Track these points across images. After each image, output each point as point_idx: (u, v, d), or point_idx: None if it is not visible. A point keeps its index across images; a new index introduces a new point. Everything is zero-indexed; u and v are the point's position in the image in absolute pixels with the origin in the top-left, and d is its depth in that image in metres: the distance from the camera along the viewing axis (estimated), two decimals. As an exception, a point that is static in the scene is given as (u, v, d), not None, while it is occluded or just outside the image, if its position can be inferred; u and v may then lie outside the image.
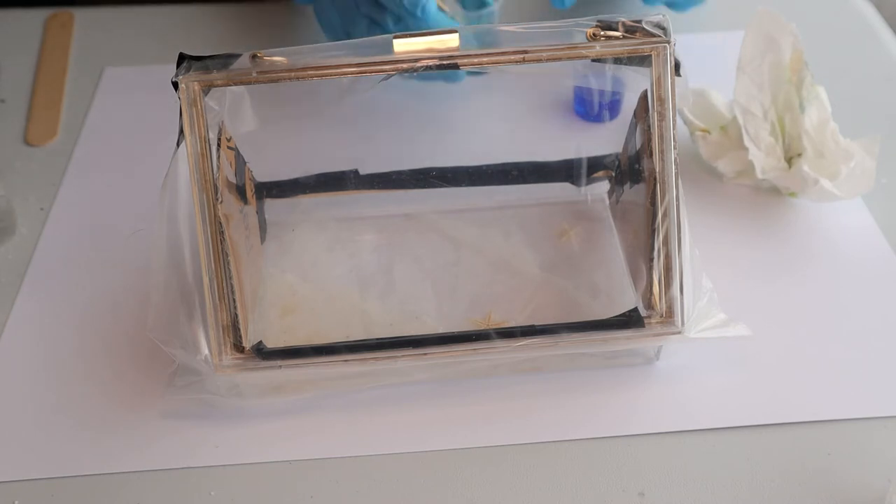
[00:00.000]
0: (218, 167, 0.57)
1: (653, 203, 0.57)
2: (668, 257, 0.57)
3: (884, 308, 0.64)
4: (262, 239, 0.68)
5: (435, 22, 0.71)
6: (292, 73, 0.55)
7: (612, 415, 0.58)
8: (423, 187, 0.69)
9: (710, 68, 0.76)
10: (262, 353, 0.57)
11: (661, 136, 0.57)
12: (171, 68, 0.55)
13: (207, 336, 0.57)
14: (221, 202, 0.57)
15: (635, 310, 0.58)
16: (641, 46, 0.55)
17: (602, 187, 0.70)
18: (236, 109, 0.59)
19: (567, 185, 0.70)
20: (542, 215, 0.70)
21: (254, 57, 0.56)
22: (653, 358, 0.61)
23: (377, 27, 0.73)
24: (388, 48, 0.56)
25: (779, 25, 0.70)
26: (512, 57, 0.55)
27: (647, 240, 0.58)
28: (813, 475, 0.55)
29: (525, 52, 0.55)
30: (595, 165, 0.69)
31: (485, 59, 0.56)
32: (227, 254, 0.57)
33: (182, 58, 0.56)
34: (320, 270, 0.67)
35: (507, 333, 0.57)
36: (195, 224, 0.56)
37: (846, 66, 0.85)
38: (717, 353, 0.60)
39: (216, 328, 0.56)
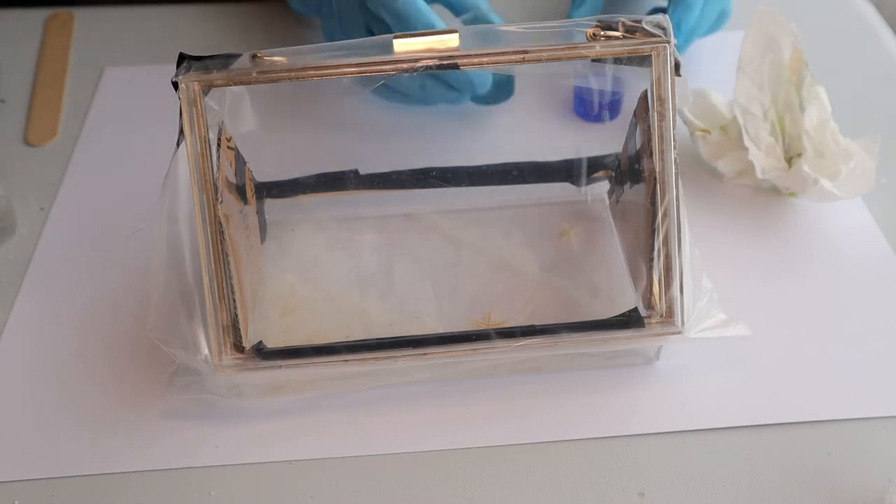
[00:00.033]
0: (218, 167, 0.57)
1: (653, 203, 0.57)
2: (668, 257, 0.57)
3: (884, 308, 0.64)
4: (262, 239, 0.68)
5: (423, 18, 0.69)
6: (292, 73, 0.55)
7: (612, 415, 0.58)
8: (423, 187, 0.69)
9: (710, 68, 0.76)
10: (262, 353, 0.57)
11: (661, 136, 0.57)
12: (171, 68, 0.55)
13: (207, 336, 0.57)
14: (221, 202, 0.57)
15: (635, 310, 0.58)
16: (641, 46, 0.55)
17: (602, 187, 0.70)
18: (236, 109, 0.59)
19: (567, 185, 0.70)
20: (542, 215, 0.70)
21: (254, 57, 0.56)
22: (653, 358, 0.61)
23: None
24: (388, 48, 0.56)
25: (779, 25, 0.70)
26: (512, 57, 0.55)
27: (647, 240, 0.58)
28: (813, 475, 0.55)
29: (525, 52, 0.55)
30: (595, 165, 0.69)
31: (485, 59, 0.56)
32: (227, 254, 0.57)
33: (182, 58, 0.56)
34: (320, 270, 0.67)
35: (507, 333, 0.57)
36: (195, 224, 0.56)
37: (846, 66, 0.85)
38: (717, 353, 0.60)
39: (216, 328, 0.56)
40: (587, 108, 0.78)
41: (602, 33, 0.56)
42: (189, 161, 0.56)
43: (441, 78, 0.71)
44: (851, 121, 0.72)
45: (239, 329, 0.57)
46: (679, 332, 0.57)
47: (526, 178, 0.69)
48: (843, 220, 0.70)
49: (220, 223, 0.56)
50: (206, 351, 0.57)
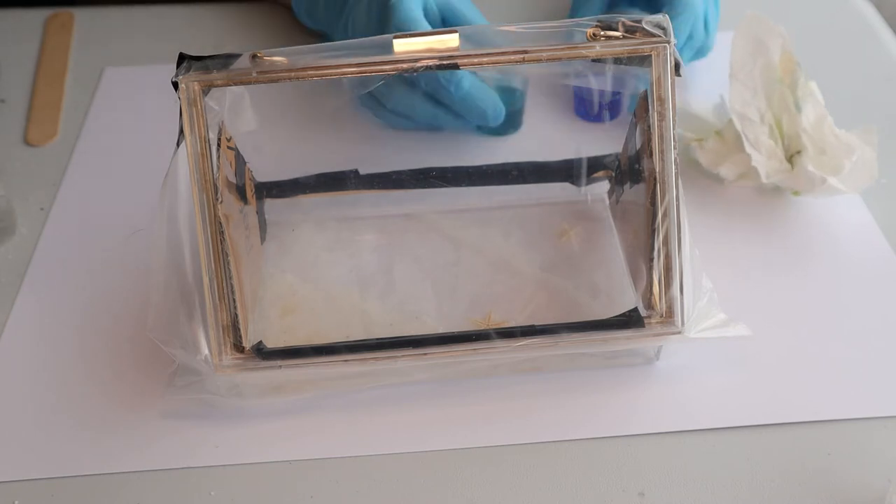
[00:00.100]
0: (218, 167, 0.57)
1: (653, 203, 0.57)
2: (668, 257, 0.57)
3: (884, 308, 0.64)
4: (262, 239, 0.68)
5: (470, 94, 0.69)
6: (292, 73, 0.55)
7: (612, 415, 0.58)
8: (423, 187, 0.69)
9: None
10: (262, 353, 0.57)
11: (661, 136, 0.57)
12: (171, 68, 0.55)
13: (207, 336, 0.57)
14: (221, 202, 0.56)
15: (635, 310, 0.58)
16: (641, 46, 0.55)
17: (602, 187, 0.70)
18: (236, 109, 0.59)
19: (567, 185, 0.70)
20: (542, 215, 0.70)
21: (254, 57, 0.56)
22: (653, 358, 0.61)
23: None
24: (389, 48, 0.56)
25: (766, 28, 0.70)
26: (512, 57, 0.55)
27: (647, 240, 0.58)
28: (813, 475, 0.55)
29: (525, 52, 0.55)
30: (595, 165, 0.69)
31: (485, 59, 0.56)
32: (227, 254, 0.57)
33: (182, 58, 0.56)
34: (320, 270, 0.67)
35: (507, 333, 0.57)
36: (195, 224, 0.56)
37: (846, 66, 0.85)
38: (717, 353, 0.60)
39: (216, 328, 0.56)
40: (587, 107, 0.78)
41: (602, 33, 0.56)
42: (189, 161, 0.56)
43: (453, 109, 0.71)
44: (851, 121, 0.72)
45: (239, 329, 0.57)
46: (679, 332, 0.57)
47: (526, 178, 0.69)
48: (843, 220, 0.70)
49: (220, 223, 0.56)
50: (206, 351, 0.57)
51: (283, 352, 0.57)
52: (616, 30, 0.56)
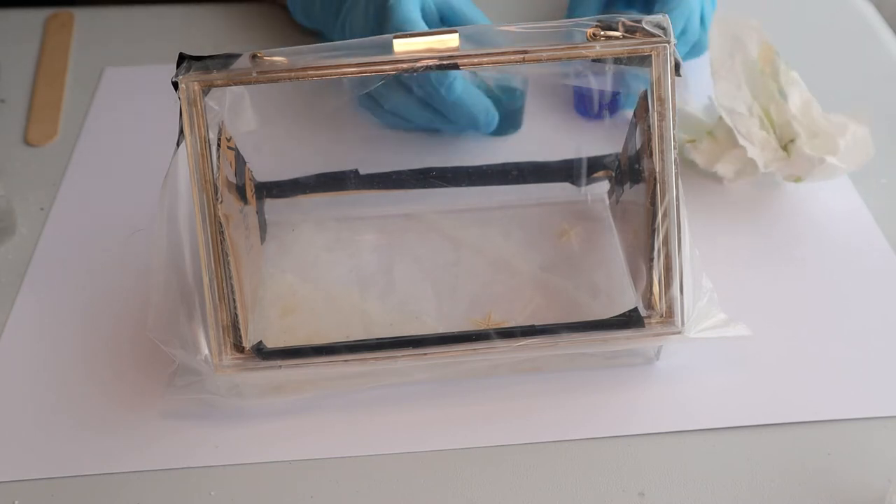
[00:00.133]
0: (218, 167, 0.57)
1: (653, 203, 0.57)
2: (668, 257, 0.57)
3: (884, 308, 0.64)
4: (262, 239, 0.68)
5: (462, 99, 0.69)
6: (292, 73, 0.55)
7: (612, 415, 0.58)
8: (423, 187, 0.69)
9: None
10: (262, 353, 0.57)
11: (661, 136, 0.57)
12: (171, 68, 0.55)
13: (207, 336, 0.57)
14: (221, 202, 0.56)
15: (635, 310, 0.58)
16: (641, 46, 0.55)
17: (602, 187, 0.70)
18: (236, 109, 0.59)
19: (567, 185, 0.70)
20: (542, 215, 0.70)
21: (254, 57, 0.56)
22: (653, 358, 0.61)
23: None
24: (388, 48, 0.56)
25: (740, 24, 0.71)
26: (512, 57, 0.55)
27: (647, 240, 0.58)
28: (813, 475, 0.55)
29: (525, 52, 0.55)
30: (595, 165, 0.69)
31: (485, 59, 0.56)
32: (227, 254, 0.57)
33: (182, 58, 0.56)
34: (320, 270, 0.67)
35: (507, 333, 0.57)
36: (195, 224, 0.56)
37: (846, 67, 0.85)
38: (717, 353, 0.60)
39: (216, 328, 0.56)
40: (587, 106, 0.77)
41: (602, 33, 0.56)
42: (189, 161, 0.56)
43: (448, 117, 0.71)
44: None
45: (239, 329, 0.57)
46: (679, 332, 0.57)
47: (526, 178, 0.69)
48: (843, 220, 0.70)
49: (220, 223, 0.56)
50: (206, 351, 0.57)
51: (283, 352, 0.57)
52: (616, 30, 0.56)
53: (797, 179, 0.70)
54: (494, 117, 0.71)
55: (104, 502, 0.55)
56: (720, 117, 0.71)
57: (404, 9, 0.68)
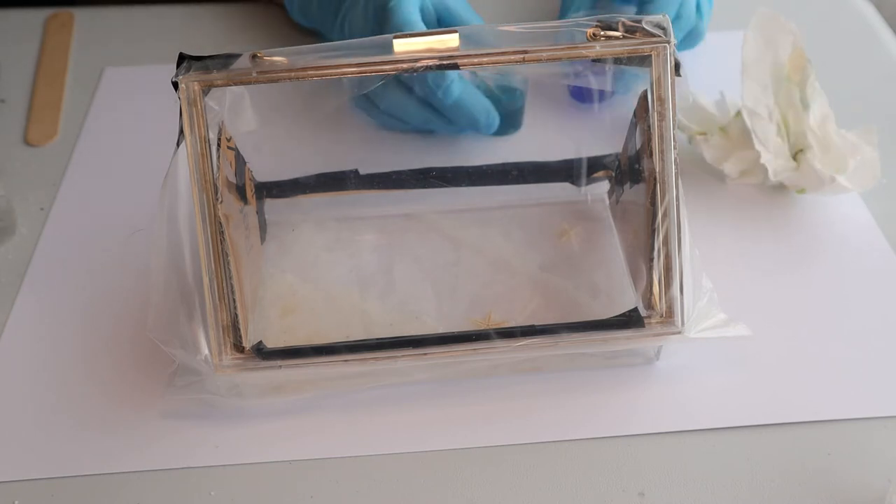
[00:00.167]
0: (218, 167, 0.57)
1: (653, 203, 0.57)
2: (668, 257, 0.57)
3: (884, 308, 0.64)
4: (262, 239, 0.68)
5: (461, 101, 0.69)
6: (292, 73, 0.55)
7: (612, 415, 0.58)
8: (423, 187, 0.69)
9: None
10: (262, 353, 0.57)
11: (661, 136, 0.57)
12: (171, 68, 0.55)
13: (207, 336, 0.57)
14: (221, 202, 0.56)
15: (635, 310, 0.58)
16: (641, 46, 0.55)
17: (602, 187, 0.70)
18: (236, 109, 0.59)
19: (567, 185, 0.70)
20: (542, 215, 0.70)
21: (254, 57, 0.56)
22: (653, 358, 0.61)
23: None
24: (388, 48, 0.56)
25: (779, 25, 0.70)
26: (512, 57, 0.55)
27: (647, 240, 0.58)
28: (813, 475, 0.55)
29: (525, 52, 0.55)
30: (595, 165, 0.69)
31: (485, 59, 0.56)
32: (227, 254, 0.57)
33: (182, 58, 0.56)
34: (320, 270, 0.67)
35: (507, 333, 0.57)
36: (195, 224, 0.56)
37: (846, 66, 0.85)
38: (717, 353, 0.60)
39: (216, 328, 0.56)
40: (583, 91, 0.77)
41: (602, 33, 0.56)
42: (189, 161, 0.56)
43: (447, 116, 0.71)
44: (852, 120, 0.72)
45: (239, 329, 0.57)
46: (679, 332, 0.57)
47: (526, 178, 0.69)
48: (843, 220, 0.70)
49: (220, 223, 0.56)
50: (206, 351, 0.57)
51: (283, 352, 0.57)
52: (616, 30, 0.56)
53: (801, 191, 0.70)
54: (495, 118, 0.71)
55: (104, 502, 0.55)
56: (735, 115, 0.71)
57: (405, 10, 0.68)
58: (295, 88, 0.80)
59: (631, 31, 0.56)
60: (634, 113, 0.61)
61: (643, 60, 0.56)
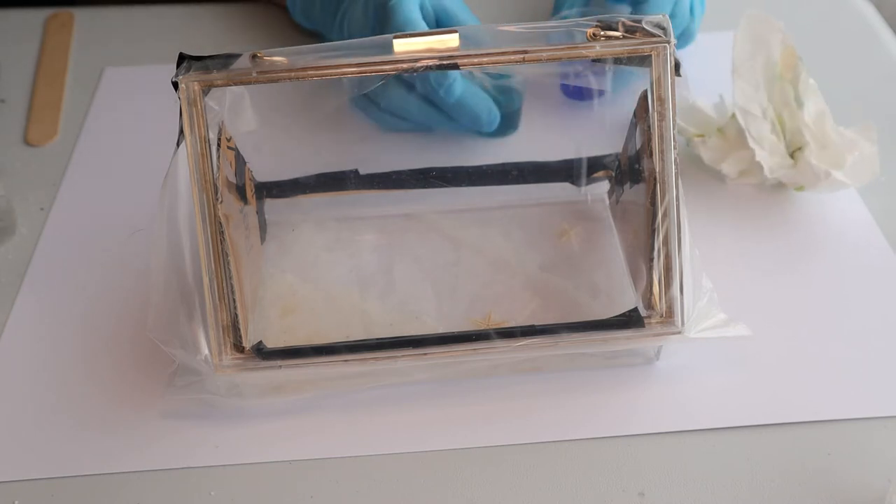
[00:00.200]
0: (218, 167, 0.57)
1: (653, 203, 0.57)
2: (668, 257, 0.57)
3: (884, 308, 0.64)
4: (262, 239, 0.68)
5: (464, 99, 0.69)
6: (292, 73, 0.55)
7: (612, 415, 0.58)
8: (423, 187, 0.69)
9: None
10: (262, 353, 0.57)
11: (661, 136, 0.57)
12: (171, 68, 0.55)
13: (207, 336, 0.57)
14: (221, 202, 0.57)
15: (635, 310, 0.58)
16: (641, 46, 0.55)
17: (602, 187, 0.70)
18: (236, 109, 0.59)
19: (567, 185, 0.70)
20: (542, 215, 0.70)
21: (254, 57, 0.56)
22: (653, 358, 0.61)
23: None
24: (389, 48, 0.56)
25: (768, 25, 0.70)
26: (512, 57, 0.55)
27: (647, 240, 0.58)
28: (813, 475, 0.55)
29: (525, 52, 0.55)
30: (595, 165, 0.69)
31: (485, 59, 0.56)
32: (227, 254, 0.57)
33: (182, 58, 0.56)
34: (320, 270, 0.67)
35: (507, 333, 0.57)
36: (195, 224, 0.56)
37: (846, 66, 0.85)
38: (717, 353, 0.60)
39: (216, 328, 0.56)
40: (576, 89, 0.77)
41: (602, 33, 0.56)
42: (189, 161, 0.56)
43: (449, 115, 0.71)
44: (852, 120, 0.72)
45: (239, 329, 0.57)
46: (679, 332, 0.57)
47: (526, 178, 0.69)
48: (843, 219, 0.70)
49: (220, 223, 0.56)
50: (206, 351, 0.57)
51: (283, 352, 0.57)
52: (616, 30, 0.56)
53: (800, 188, 0.70)
54: (496, 116, 0.71)
55: (104, 502, 0.55)
56: (731, 115, 0.71)
57: (406, 9, 0.68)
58: (295, 88, 0.80)
59: (631, 31, 0.56)
60: (634, 113, 0.61)
61: (643, 60, 0.56)
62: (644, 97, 0.59)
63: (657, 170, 0.57)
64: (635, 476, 0.56)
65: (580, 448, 0.57)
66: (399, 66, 0.55)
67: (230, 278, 0.57)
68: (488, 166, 0.69)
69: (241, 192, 0.62)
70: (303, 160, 0.74)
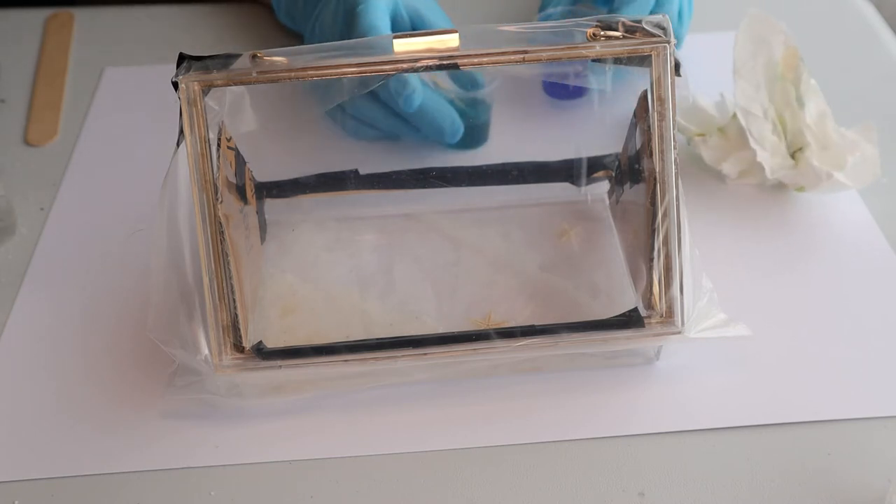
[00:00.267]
0: (218, 167, 0.57)
1: (653, 203, 0.57)
2: (668, 257, 0.57)
3: (884, 308, 0.64)
4: (262, 239, 0.68)
5: (425, 108, 0.69)
6: (292, 73, 0.55)
7: (612, 415, 0.58)
8: (423, 187, 0.69)
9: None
10: (262, 353, 0.57)
11: (661, 136, 0.57)
12: (171, 68, 0.55)
13: (207, 336, 0.57)
14: (221, 202, 0.57)
15: (635, 310, 0.58)
16: (641, 46, 0.55)
17: (602, 187, 0.70)
18: (236, 109, 0.59)
19: (567, 185, 0.70)
20: (542, 215, 0.70)
21: (254, 57, 0.56)
22: (653, 358, 0.61)
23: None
24: (388, 48, 0.56)
25: (769, 26, 0.70)
26: (512, 57, 0.55)
27: (647, 240, 0.58)
28: (813, 475, 0.55)
29: (525, 52, 0.55)
30: (595, 165, 0.69)
31: (485, 59, 0.56)
32: (227, 254, 0.57)
33: (182, 58, 0.56)
34: (320, 270, 0.67)
35: (507, 333, 0.57)
36: (195, 224, 0.56)
37: (846, 66, 0.85)
38: (717, 353, 0.60)
39: (216, 328, 0.56)
40: (557, 87, 0.77)
41: (602, 33, 0.56)
42: (189, 161, 0.56)
43: (412, 124, 0.71)
44: (852, 120, 0.72)
45: (239, 329, 0.57)
46: (679, 332, 0.57)
47: (526, 178, 0.69)
48: (843, 219, 0.70)
49: (220, 223, 0.56)
50: (206, 351, 0.57)
51: (283, 352, 0.57)
52: (616, 30, 0.56)
53: (800, 189, 0.70)
54: (459, 127, 0.70)
55: (104, 502, 0.55)
56: (733, 115, 0.71)
57: (371, 15, 0.68)
58: (295, 88, 0.80)
59: (631, 30, 0.56)
60: (634, 113, 0.61)
61: (643, 60, 0.56)
62: (644, 97, 0.59)
63: (657, 170, 0.57)
64: (635, 476, 0.56)
65: (580, 448, 0.57)
66: (399, 66, 0.55)
67: (230, 278, 0.57)
68: (488, 166, 0.69)
69: (241, 192, 0.62)
70: (303, 160, 0.74)
